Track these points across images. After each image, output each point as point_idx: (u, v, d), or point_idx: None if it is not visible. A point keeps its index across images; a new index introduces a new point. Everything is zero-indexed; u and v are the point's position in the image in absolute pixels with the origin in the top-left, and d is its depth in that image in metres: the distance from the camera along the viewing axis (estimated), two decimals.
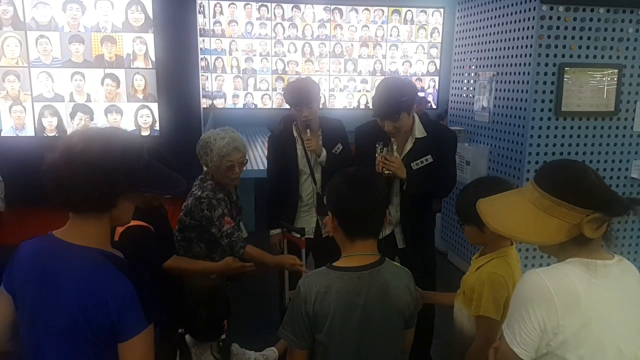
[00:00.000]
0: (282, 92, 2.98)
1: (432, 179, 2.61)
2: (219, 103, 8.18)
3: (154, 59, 4.38)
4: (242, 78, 8.18)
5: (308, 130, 2.82)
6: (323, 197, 2.87)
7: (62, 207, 1.30)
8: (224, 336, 1.99)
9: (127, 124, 4.49)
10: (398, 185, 2.67)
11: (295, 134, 2.92)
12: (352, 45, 8.35)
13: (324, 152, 2.87)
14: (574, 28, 3.53)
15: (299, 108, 2.77)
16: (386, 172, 2.56)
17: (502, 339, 1.33)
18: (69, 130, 4.28)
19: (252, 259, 2.41)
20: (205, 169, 2.60)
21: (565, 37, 3.53)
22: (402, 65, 8.60)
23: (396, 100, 2.49)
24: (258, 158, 5.65)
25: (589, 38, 3.56)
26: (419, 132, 2.64)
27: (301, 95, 2.77)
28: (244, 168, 2.61)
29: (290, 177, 2.91)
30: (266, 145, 6.45)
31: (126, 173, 1.28)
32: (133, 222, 1.97)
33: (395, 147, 2.63)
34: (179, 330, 2.02)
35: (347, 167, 2.58)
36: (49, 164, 1.27)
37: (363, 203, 1.57)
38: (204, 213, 2.44)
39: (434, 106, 8.77)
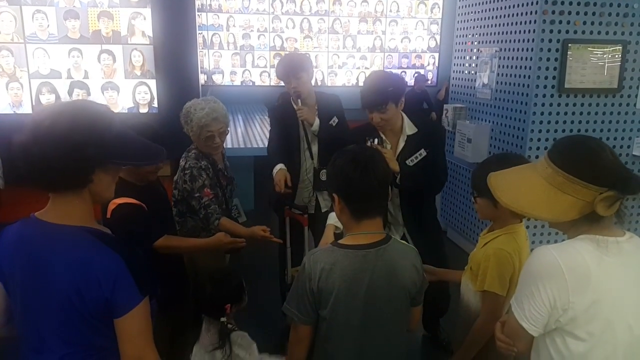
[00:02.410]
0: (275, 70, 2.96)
1: (425, 172, 2.60)
2: (216, 79, 8.10)
3: (151, 34, 4.31)
4: (240, 55, 8.08)
5: (299, 101, 2.82)
6: (319, 172, 2.87)
7: (37, 187, 1.26)
8: (223, 319, 1.99)
9: (124, 101, 4.45)
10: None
11: (295, 106, 2.92)
12: (349, 21, 8.24)
13: (317, 121, 2.86)
14: (578, 3, 3.48)
15: (288, 80, 2.80)
16: None
17: (510, 314, 1.33)
18: None
19: (226, 230, 2.38)
20: None
21: (569, 13, 3.48)
22: (402, 41, 8.50)
23: (383, 90, 2.47)
24: (257, 136, 5.61)
25: (593, 13, 3.51)
26: (410, 129, 2.63)
27: (288, 67, 2.80)
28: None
29: (292, 146, 2.91)
30: (264, 123, 6.44)
31: (97, 145, 1.24)
32: (126, 200, 1.96)
33: (386, 144, 2.61)
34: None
35: (342, 141, 2.56)
36: (17, 144, 1.23)
37: (370, 182, 1.56)
38: (185, 185, 2.43)
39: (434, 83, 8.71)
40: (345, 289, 1.55)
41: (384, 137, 2.61)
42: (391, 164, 2.51)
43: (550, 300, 1.23)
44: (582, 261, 1.22)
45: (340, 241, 1.64)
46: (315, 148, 2.91)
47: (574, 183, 1.24)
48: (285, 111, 2.93)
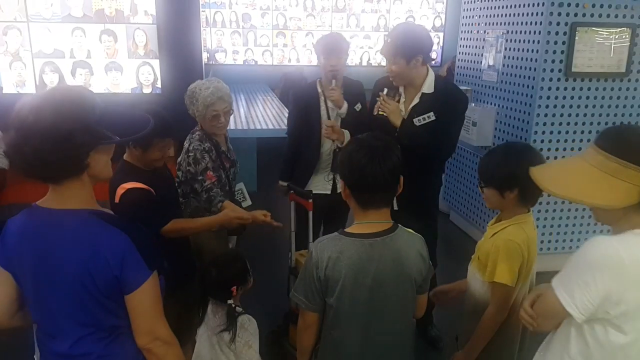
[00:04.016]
0: (314, 46, 2.99)
1: (428, 135, 2.53)
2: (219, 58, 8.03)
3: (154, 13, 4.26)
4: (241, 33, 7.99)
5: (334, 81, 2.82)
6: (339, 154, 2.87)
7: (39, 181, 1.28)
8: (230, 301, 2.01)
9: (128, 82, 4.42)
10: None
11: (319, 90, 2.91)
12: None
13: (345, 105, 2.86)
14: None
15: (329, 57, 2.79)
16: (380, 112, 2.54)
17: (550, 296, 1.29)
18: None
19: None
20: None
21: None
22: (406, 20, 8.38)
23: (394, 42, 2.47)
24: (260, 117, 5.57)
25: None
26: (428, 87, 2.59)
27: (334, 44, 2.81)
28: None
29: (313, 132, 2.91)
30: (267, 104, 6.40)
31: (84, 131, 1.24)
32: (134, 185, 1.98)
33: (401, 98, 2.60)
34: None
35: (367, 127, 2.53)
36: (9, 145, 1.24)
37: (376, 172, 1.52)
38: (189, 167, 2.45)
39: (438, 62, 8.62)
40: (351, 277, 1.56)
41: (401, 92, 2.61)
42: (392, 116, 2.56)
43: (606, 292, 1.19)
44: None
45: (347, 229, 1.64)
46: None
47: (628, 168, 1.20)
48: (309, 93, 2.94)
